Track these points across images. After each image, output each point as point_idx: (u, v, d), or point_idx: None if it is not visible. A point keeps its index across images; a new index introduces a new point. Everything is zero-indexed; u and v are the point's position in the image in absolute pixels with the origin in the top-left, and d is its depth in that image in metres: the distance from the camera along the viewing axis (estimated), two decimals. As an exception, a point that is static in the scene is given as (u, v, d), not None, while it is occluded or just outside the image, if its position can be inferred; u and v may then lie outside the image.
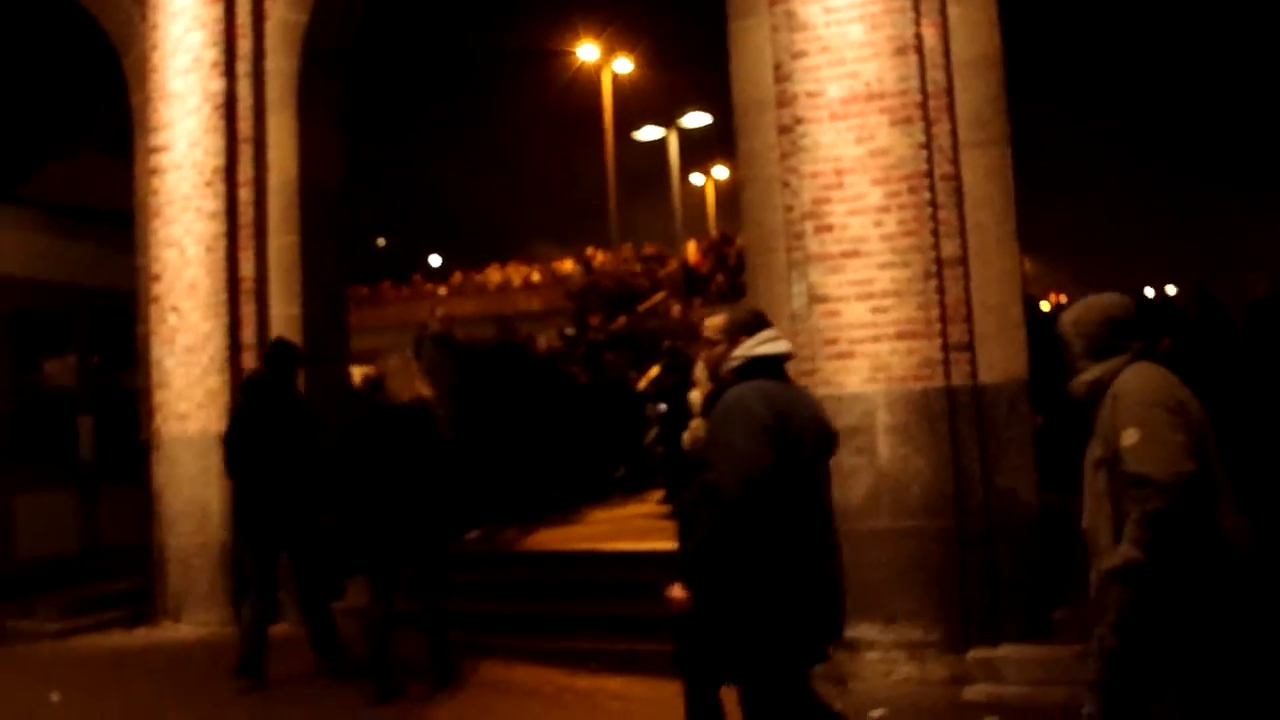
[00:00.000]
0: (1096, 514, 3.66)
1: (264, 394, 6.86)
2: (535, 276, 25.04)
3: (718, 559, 3.71)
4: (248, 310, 8.59)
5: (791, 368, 6.68)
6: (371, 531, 6.24)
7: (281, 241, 8.74)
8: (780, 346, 3.98)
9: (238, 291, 8.59)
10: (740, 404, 3.76)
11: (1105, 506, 3.61)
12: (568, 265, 24.77)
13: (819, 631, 3.88)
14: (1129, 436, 3.48)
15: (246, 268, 8.63)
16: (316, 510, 6.71)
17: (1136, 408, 3.52)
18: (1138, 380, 3.60)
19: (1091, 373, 3.69)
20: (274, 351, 7.19)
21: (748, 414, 3.71)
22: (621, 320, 12.80)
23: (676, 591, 3.81)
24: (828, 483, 3.97)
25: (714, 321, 4.16)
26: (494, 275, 24.90)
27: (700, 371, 4.45)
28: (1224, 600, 3.48)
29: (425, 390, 6.42)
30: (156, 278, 8.74)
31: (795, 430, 3.78)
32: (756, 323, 4.03)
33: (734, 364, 3.92)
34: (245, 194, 8.69)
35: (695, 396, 4.76)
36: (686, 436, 5.10)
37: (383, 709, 6.04)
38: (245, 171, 8.71)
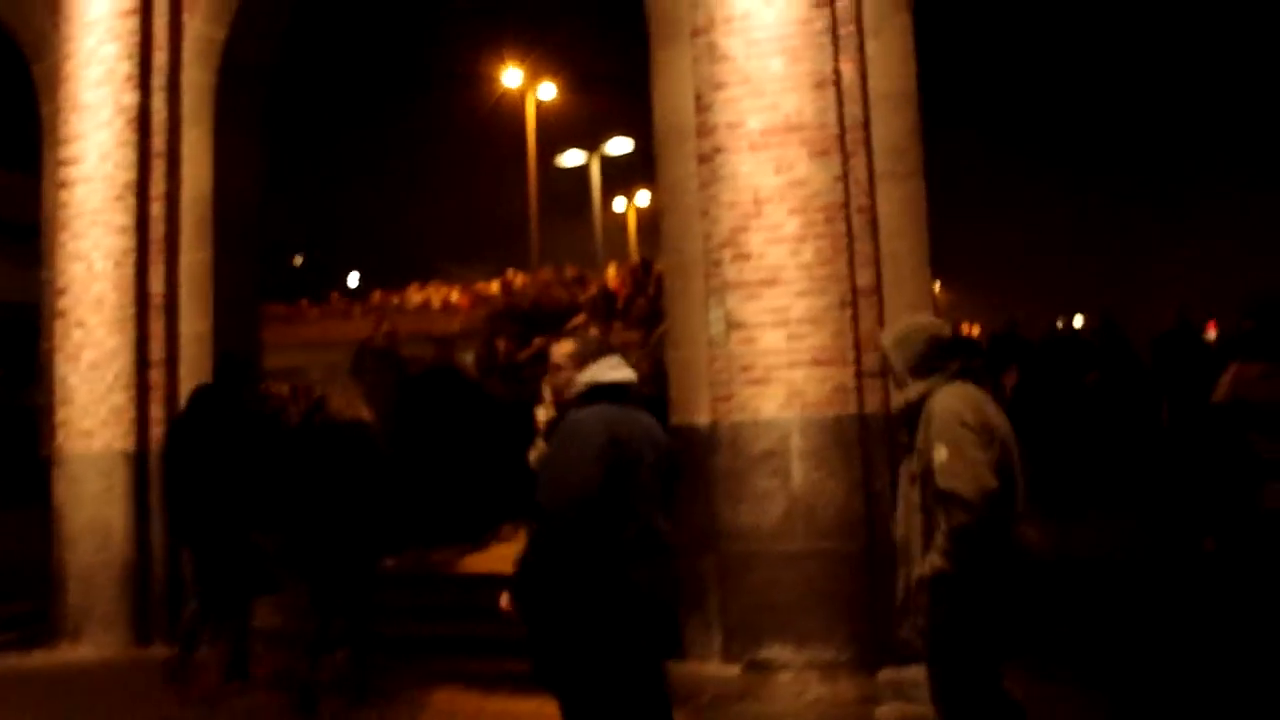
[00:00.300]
0: (910, 525, 3.93)
1: (206, 408, 6.84)
2: (454, 297, 24.91)
3: (543, 573, 3.79)
4: (156, 326, 8.42)
5: (708, 392, 6.84)
6: (312, 548, 6.30)
7: (193, 257, 8.60)
8: (622, 374, 4.10)
9: (147, 307, 8.42)
10: (578, 427, 3.87)
11: (918, 519, 3.88)
12: (490, 286, 24.69)
13: (644, 647, 3.91)
14: (939, 454, 3.74)
15: (156, 283, 8.47)
16: (253, 527, 6.72)
17: (946, 427, 3.78)
18: (950, 400, 3.86)
19: (911, 390, 3.94)
20: (221, 365, 7.21)
21: (583, 436, 3.82)
22: (537, 342, 12.78)
23: (504, 602, 3.91)
24: (668, 503, 4.07)
25: (561, 349, 4.29)
26: (414, 295, 24.72)
27: (547, 394, 4.58)
28: (1025, 603, 3.80)
29: (365, 413, 6.55)
30: (62, 292, 8.54)
31: (633, 453, 3.87)
32: (601, 350, 4.17)
33: (577, 389, 4.04)
34: (157, 209, 8.53)
35: (541, 415, 4.87)
36: (532, 455, 5.17)
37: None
38: (158, 186, 8.55)
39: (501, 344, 13.24)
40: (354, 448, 6.44)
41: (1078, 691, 5.86)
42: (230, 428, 6.75)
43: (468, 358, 12.71)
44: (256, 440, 6.85)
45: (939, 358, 3.96)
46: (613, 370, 4.08)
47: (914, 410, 3.93)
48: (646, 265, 20.64)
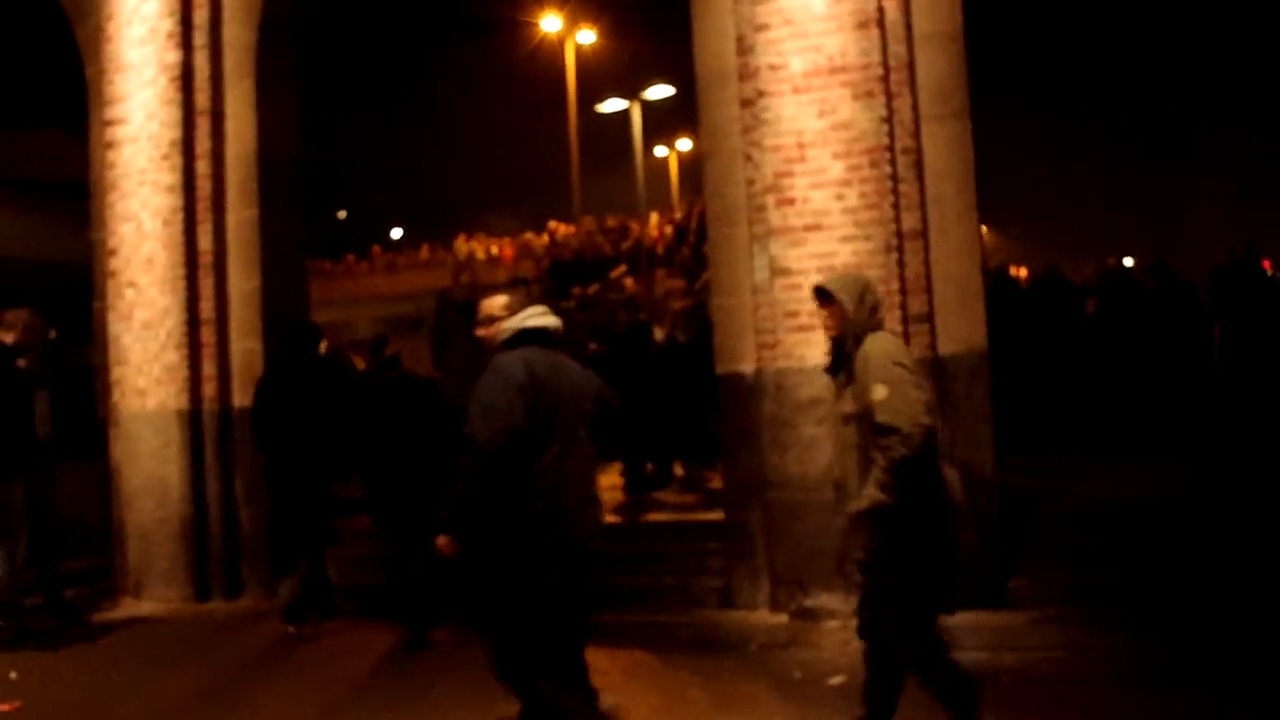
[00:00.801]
0: (847, 464, 4.16)
1: (292, 369, 7.28)
2: (496, 250, 24.92)
3: (473, 506, 4.12)
4: (206, 284, 8.52)
5: (753, 340, 6.81)
6: (393, 499, 6.78)
7: (240, 215, 8.66)
8: (547, 321, 4.46)
9: (196, 266, 8.51)
10: (502, 368, 4.23)
11: (854, 457, 4.11)
12: (537, 238, 24.66)
13: (564, 581, 4.21)
14: (878, 392, 3.99)
15: (205, 241, 8.55)
16: (337, 479, 7.30)
17: (884, 367, 4.03)
18: (884, 343, 4.15)
19: (853, 332, 4.18)
20: (298, 329, 7.63)
21: (507, 376, 4.17)
22: (594, 288, 12.81)
23: (441, 541, 4.17)
24: (591, 443, 4.42)
25: (495, 301, 4.63)
26: (462, 247, 24.73)
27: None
28: (942, 538, 4.07)
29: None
30: (113, 252, 8.65)
31: (550, 392, 4.23)
32: (530, 301, 4.60)
33: (505, 334, 4.41)
34: (203, 167, 8.59)
35: None
36: None
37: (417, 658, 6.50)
38: (203, 144, 8.60)
39: (577, 290, 13.21)
40: (427, 402, 6.91)
41: (1133, 642, 5.84)
42: (318, 386, 7.18)
43: None
44: (341, 397, 7.25)
45: (874, 306, 4.25)
46: (538, 317, 4.43)
47: (849, 354, 4.18)
48: (690, 213, 20.52)
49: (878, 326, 4.23)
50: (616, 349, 8.86)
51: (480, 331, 4.62)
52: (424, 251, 25.97)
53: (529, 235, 24.94)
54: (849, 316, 4.20)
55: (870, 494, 3.98)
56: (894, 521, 3.98)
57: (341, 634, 7.16)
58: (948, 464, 4.16)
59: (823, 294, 4.33)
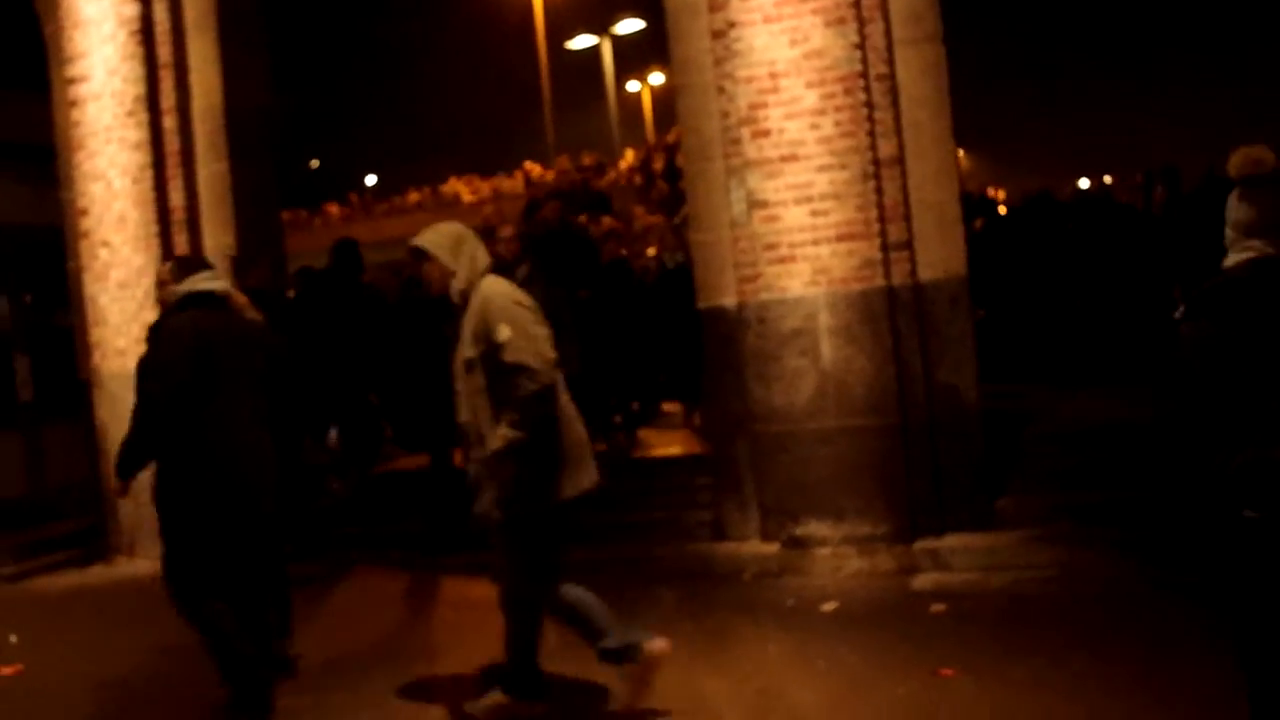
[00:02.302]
0: (474, 409, 4.21)
1: (326, 288, 8.23)
2: (484, 190, 24.67)
3: (144, 453, 4.62)
4: (180, 241, 8.41)
5: (733, 273, 6.79)
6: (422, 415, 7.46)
7: (211, 169, 8.54)
8: (213, 285, 4.81)
9: (169, 223, 8.40)
10: (172, 327, 4.64)
11: (482, 400, 4.18)
12: (509, 181, 24.45)
13: (231, 525, 4.63)
14: (503, 333, 4.07)
15: (176, 198, 8.43)
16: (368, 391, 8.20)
17: (506, 308, 4.14)
18: (501, 285, 4.28)
19: (460, 281, 4.24)
20: (340, 251, 8.63)
21: (176, 335, 4.59)
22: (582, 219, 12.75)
23: (113, 484, 4.71)
24: (257, 395, 4.77)
25: (164, 267, 5.03)
26: (453, 188, 24.46)
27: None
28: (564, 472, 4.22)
29: None
30: (84, 212, 8.52)
31: (217, 348, 4.60)
32: (198, 265, 4.97)
33: (174, 297, 4.75)
34: (170, 122, 8.44)
35: None
36: None
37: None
38: (168, 98, 8.45)
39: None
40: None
41: (1121, 559, 5.91)
42: (351, 307, 8.01)
43: None
44: (374, 317, 8.13)
45: (478, 252, 4.32)
46: (205, 281, 4.78)
47: (460, 306, 4.25)
48: (666, 147, 20.37)
49: (486, 272, 4.29)
50: (600, 289, 8.80)
51: (158, 297, 5.01)
52: (412, 196, 25.70)
53: (501, 178, 24.72)
54: (448, 269, 4.25)
55: (505, 433, 4.06)
56: (531, 453, 4.10)
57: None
58: (567, 398, 4.31)
59: (417, 253, 4.35)
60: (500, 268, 6.62)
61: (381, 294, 9.55)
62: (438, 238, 4.33)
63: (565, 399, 4.30)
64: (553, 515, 4.24)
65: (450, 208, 23.47)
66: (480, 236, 4.55)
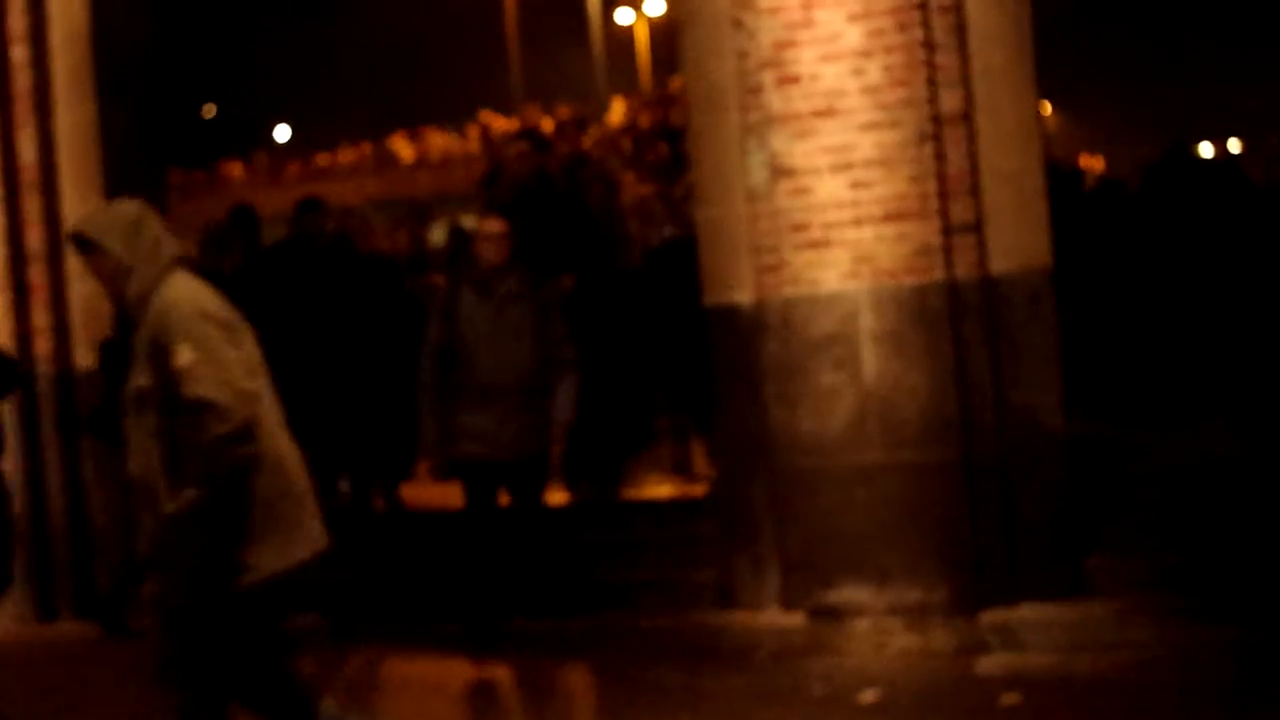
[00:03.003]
0: (148, 454, 4.03)
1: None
2: (442, 146, 24.67)
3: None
4: (33, 207, 8.37)
5: (750, 261, 6.79)
6: None
7: (73, 116, 8.50)
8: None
9: (18, 184, 8.36)
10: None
11: (156, 446, 4.00)
12: (460, 140, 24.45)
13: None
14: (183, 355, 3.89)
15: (28, 152, 8.39)
16: None
17: (187, 323, 3.95)
18: (186, 290, 4.06)
19: (137, 281, 4.05)
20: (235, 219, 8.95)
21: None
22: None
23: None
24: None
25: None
26: (404, 150, 24.47)
27: None
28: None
29: None
30: (-95, 169, 8.50)
31: None
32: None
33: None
34: (19, 53, 8.40)
35: None
36: None
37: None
38: (17, 21, 8.40)
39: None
40: None
41: (1241, 639, 5.90)
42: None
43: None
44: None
45: (159, 243, 4.12)
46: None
47: (143, 307, 4.06)
48: (666, 96, 20.42)
49: (171, 268, 4.10)
50: (590, 271, 8.69)
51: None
52: (345, 154, 25.65)
53: (445, 131, 24.63)
54: (123, 264, 4.08)
55: (188, 492, 3.90)
56: (216, 523, 3.91)
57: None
58: (284, 435, 4.17)
59: (81, 242, 4.18)
60: (478, 280, 6.81)
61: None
62: (107, 221, 4.17)
63: (281, 440, 4.15)
64: (253, 600, 4.03)
65: (383, 171, 23.46)
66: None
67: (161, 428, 3.99)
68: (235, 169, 26.53)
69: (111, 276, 4.12)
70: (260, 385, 4.08)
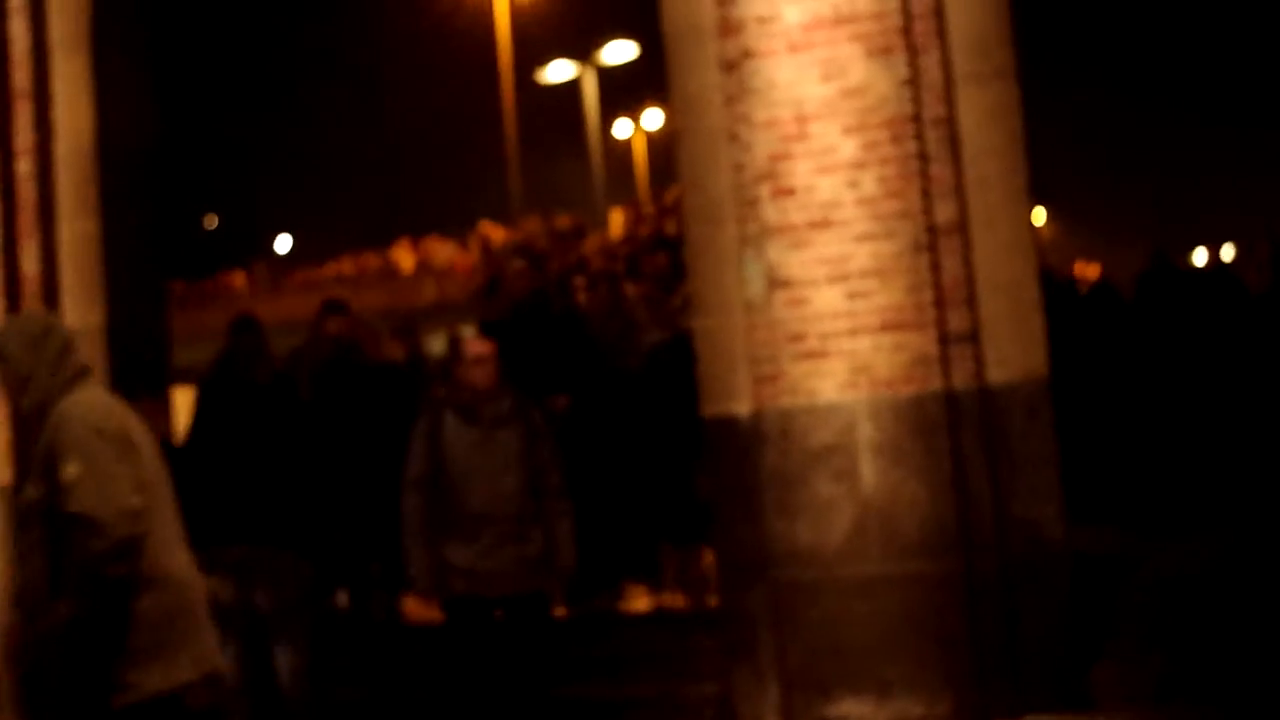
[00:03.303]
0: (30, 567, 4.06)
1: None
2: (445, 255, 24.80)
3: None
4: (33, 319, 8.41)
5: (748, 372, 6.80)
6: None
7: (76, 228, 8.57)
8: None
9: (19, 295, 8.40)
10: None
11: (39, 560, 4.03)
12: (461, 252, 24.62)
13: None
14: (70, 470, 3.92)
15: (30, 264, 8.45)
16: None
17: (79, 437, 3.99)
18: (89, 405, 4.13)
19: (36, 391, 4.13)
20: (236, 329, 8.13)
21: None
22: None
23: None
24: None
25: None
26: (405, 260, 24.63)
27: None
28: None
29: None
30: (-91, 280, 8.54)
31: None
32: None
33: None
34: (25, 166, 8.50)
35: None
36: None
37: None
38: (24, 137, 8.51)
39: None
40: None
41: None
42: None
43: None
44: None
45: (64, 353, 4.21)
46: None
47: (38, 419, 4.13)
48: (663, 208, 20.61)
49: (74, 381, 4.18)
50: (586, 391, 8.65)
51: None
52: (344, 266, 25.80)
53: (443, 240, 24.81)
54: (22, 373, 4.15)
55: (63, 607, 3.91)
56: (94, 637, 3.91)
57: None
58: (183, 557, 4.21)
59: None
60: (464, 406, 6.48)
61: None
62: (13, 329, 4.26)
63: (176, 557, 4.18)
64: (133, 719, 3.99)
65: (385, 282, 23.57)
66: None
67: (45, 540, 4.02)
68: (235, 279, 26.69)
69: (12, 384, 4.20)
70: (152, 501, 4.07)
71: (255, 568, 6.94)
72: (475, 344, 6.81)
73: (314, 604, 7.17)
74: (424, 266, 24.08)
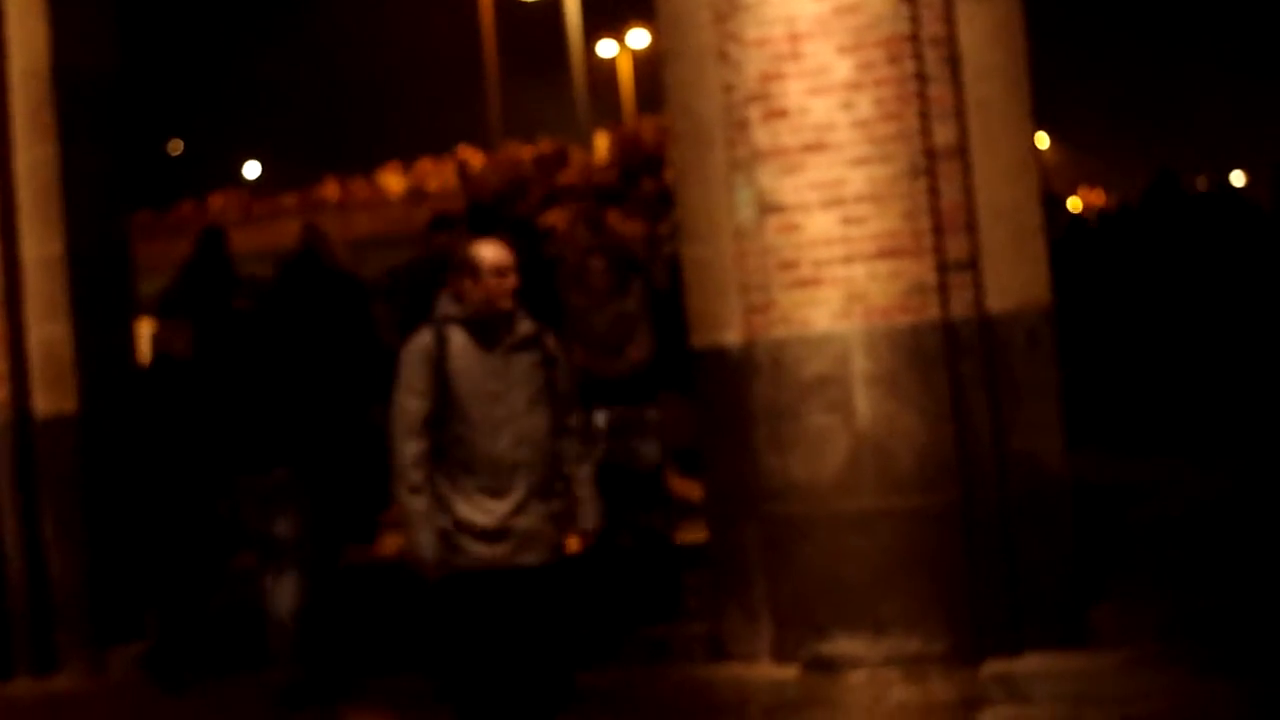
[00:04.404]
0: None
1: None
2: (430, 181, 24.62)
3: None
4: (-11, 249, 8.39)
5: (738, 301, 6.81)
6: None
7: (33, 154, 8.51)
8: None
9: (-26, 225, 8.38)
10: None
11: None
12: (436, 168, 24.48)
13: None
14: None
15: (-14, 192, 8.41)
16: None
17: None
18: None
19: None
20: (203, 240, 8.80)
21: None
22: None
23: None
24: None
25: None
26: (393, 183, 24.42)
27: None
28: None
29: None
30: None
31: None
32: None
33: None
34: (-23, 90, 8.45)
35: None
36: None
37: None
38: (-25, 58, 8.46)
39: None
40: None
41: (1254, 691, 5.90)
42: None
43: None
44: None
45: None
46: None
47: None
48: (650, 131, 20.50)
49: None
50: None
51: None
52: (329, 189, 25.65)
53: (393, 174, 24.63)
54: None
55: None
56: None
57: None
58: None
59: None
60: (479, 324, 5.38)
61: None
62: None
63: None
64: None
65: (375, 208, 23.36)
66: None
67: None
68: (215, 202, 26.44)
69: None
70: None
71: (278, 496, 7.27)
72: (492, 250, 5.52)
73: (326, 536, 7.51)
74: (416, 191, 23.87)
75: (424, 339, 5.43)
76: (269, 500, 7.25)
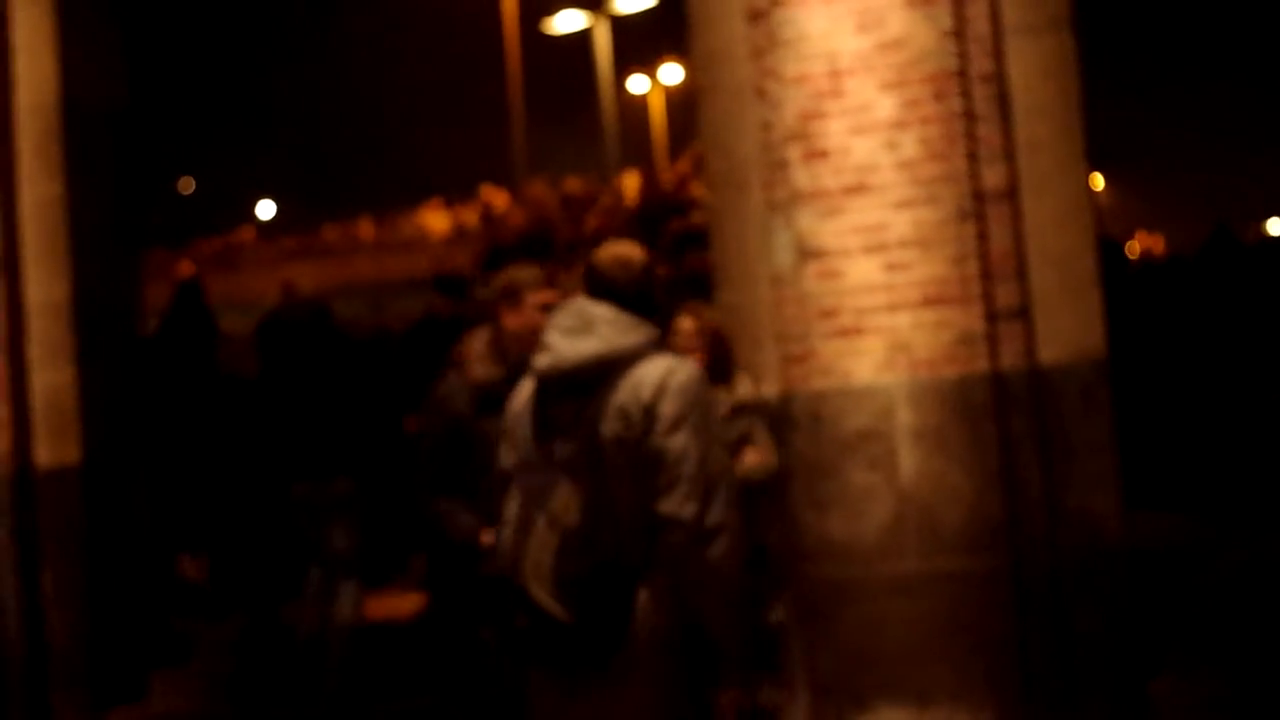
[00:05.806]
0: None
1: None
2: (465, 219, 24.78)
3: None
4: (-8, 291, 8.45)
5: (775, 351, 6.81)
6: None
7: (39, 192, 8.58)
8: None
9: (-23, 265, 8.45)
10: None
11: None
12: (465, 211, 24.64)
13: None
14: None
15: (-11, 231, 8.49)
16: None
17: None
18: None
19: None
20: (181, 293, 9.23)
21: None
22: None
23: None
24: None
25: None
26: (437, 221, 24.57)
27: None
28: None
29: None
30: None
31: None
32: None
33: None
34: (-17, 124, 8.53)
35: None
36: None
37: None
38: (-19, 92, 8.55)
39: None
40: None
41: None
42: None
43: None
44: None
45: None
46: None
47: None
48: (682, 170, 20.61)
49: None
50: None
51: None
52: (364, 229, 25.85)
53: (435, 213, 24.85)
54: None
55: None
56: None
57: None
58: None
59: None
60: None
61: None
62: None
63: None
64: None
65: (414, 248, 23.49)
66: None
67: None
68: (245, 234, 26.70)
69: None
70: None
71: (335, 507, 7.69)
72: (682, 318, 6.50)
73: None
74: (459, 231, 24.02)
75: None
76: (328, 511, 7.65)
